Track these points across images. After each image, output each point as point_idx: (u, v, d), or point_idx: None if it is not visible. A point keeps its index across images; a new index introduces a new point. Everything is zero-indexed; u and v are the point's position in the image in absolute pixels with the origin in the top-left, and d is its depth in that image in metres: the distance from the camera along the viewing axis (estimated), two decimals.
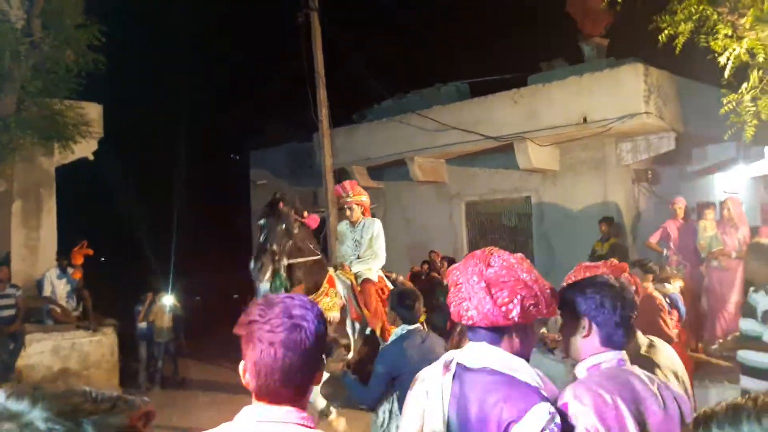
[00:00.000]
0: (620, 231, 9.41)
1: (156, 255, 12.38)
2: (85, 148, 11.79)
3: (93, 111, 11.94)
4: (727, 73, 5.83)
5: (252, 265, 5.09)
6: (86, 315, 9.57)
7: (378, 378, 3.88)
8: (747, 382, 4.36)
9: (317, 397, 5.38)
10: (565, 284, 2.25)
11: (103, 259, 10.17)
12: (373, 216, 6.25)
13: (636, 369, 2.00)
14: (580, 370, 2.01)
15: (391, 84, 13.16)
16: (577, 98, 9.08)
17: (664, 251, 8.24)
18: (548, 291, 1.84)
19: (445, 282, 5.57)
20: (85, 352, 9.18)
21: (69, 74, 10.17)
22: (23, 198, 11.32)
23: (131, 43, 13.32)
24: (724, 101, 6.08)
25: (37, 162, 11.51)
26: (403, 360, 3.72)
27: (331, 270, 5.73)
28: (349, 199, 5.91)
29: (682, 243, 8.06)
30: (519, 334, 1.84)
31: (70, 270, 9.58)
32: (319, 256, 5.54)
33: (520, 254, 1.95)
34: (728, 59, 5.73)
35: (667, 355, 2.48)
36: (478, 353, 1.85)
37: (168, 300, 9.42)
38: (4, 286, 8.67)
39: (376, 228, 5.89)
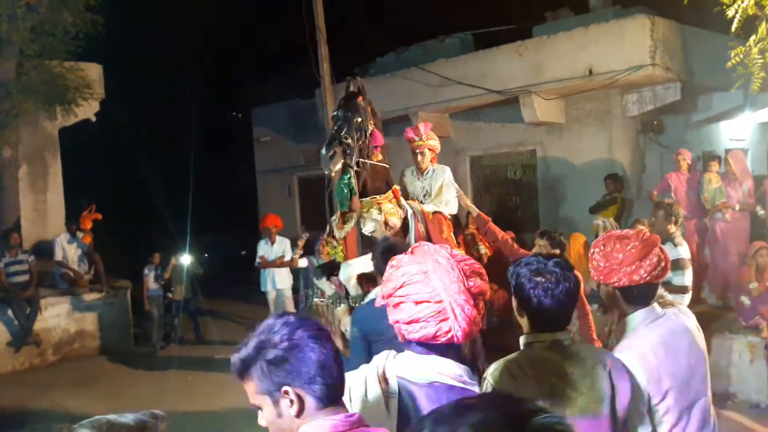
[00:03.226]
0: (625, 186, 9.42)
1: (162, 215, 12.48)
2: (87, 110, 11.76)
3: (93, 72, 11.85)
4: (734, 26, 5.75)
5: (323, 151, 4.59)
6: (98, 278, 9.73)
7: (354, 341, 3.40)
8: None
9: None
10: (592, 250, 2.32)
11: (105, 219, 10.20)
12: None
13: (576, 350, 2.00)
14: (520, 345, 2.05)
15: (393, 36, 12.99)
16: (583, 50, 8.96)
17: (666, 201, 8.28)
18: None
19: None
20: (99, 315, 9.38)
21: (67, 36, 10.09)
22: (29, 163, 11.36)
23: (128, 3, 13.09)
24: (732, 54, 6.02)
25: (40, 126, 11.51)
26: (377, 326, 3.09)
27: (397, 187, 5.18)
28: (421, 143, 5.30)
29: (685, 195, 8.08)
30: (463, 346, 1.72)
31: (79, 234, 9.69)
32: (387, 166, 5.04)
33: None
34: (736, 11, 5.65)
35: None
36: (421, 365, 1.68)
37: (185, 260, 9.54)
38: (16, 252, 8.80)
39: (447, 175, 5.31)
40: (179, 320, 9.64)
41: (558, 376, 1.90)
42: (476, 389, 1.70)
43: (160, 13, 15.18)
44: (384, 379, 1.67)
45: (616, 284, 2.24)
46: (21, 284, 8.67)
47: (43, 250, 10.45)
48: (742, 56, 6.01)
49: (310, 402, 1.40)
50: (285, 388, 1.38)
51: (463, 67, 10.30)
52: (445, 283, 1.64)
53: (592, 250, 2.33)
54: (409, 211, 4.95)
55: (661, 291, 2.49)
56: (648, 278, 2.21)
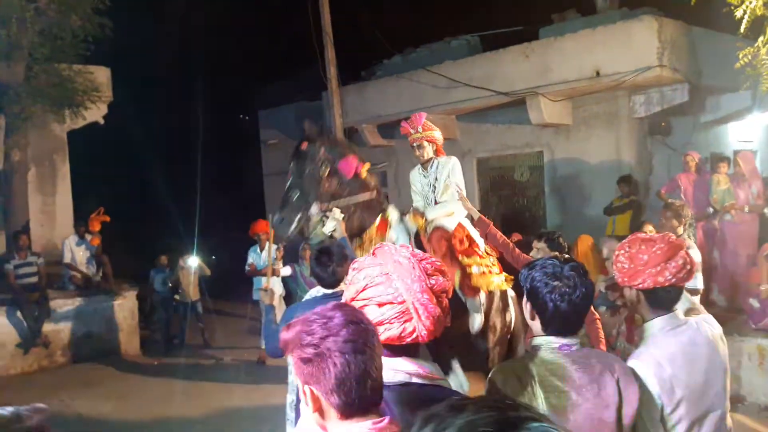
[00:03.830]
0: (638, 188, 9.35)
1: (170, 217, 12.52)
2: (96, 113, 11.84)
3: (101, 75, 11.93)
4: (743, 27, 5.73)
5: (276, 217, 4.50)
6: (106, 280, 9.77)
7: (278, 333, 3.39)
8: None
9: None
10: (617, 252, 2.30)
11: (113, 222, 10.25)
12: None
13: (584, 355, 1.98)
14: (528, 347, 2.03)
15: (400, 39, 13.01)
16: (589, 52, 8.94)
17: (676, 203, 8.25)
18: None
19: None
20: (107, 317, 9.40)
21: (76, 39, 10.15)
22: (37, 165, 11.45)
23: (137, 5, 13.16)
24: (740, 55, 5.99)
25: (49, 129, 11.60)
26: None
27: (389, 212, 4.80)
28: (418, 136, 4.93)
29: (694, 196, 8.05)
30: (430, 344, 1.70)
31: (88, 237, 9.73)
32: (367, 197, 4.69)
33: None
34: (745, 12, 5.63)
35: None
36: (391, 368, 1.62)
37: (193, 261, 9.52)
38: (25, 254, 8.85)
39: (452, 164, 4.92)
40: (186, 322, 9.65)
41: (565, 381, 1.89)
42: (447, 383, 1.69)
43: (168, 17, 15.26)
44: None
45: (640, 286, 2.22)
46: (30, 286, 8.71)
47: (52, 252, 10.52)
48: (750, 57, 5.99)
49: (329, 409, 1.37)
50: (307, 387, 1.36)
51: (470, 69, 10.30)
52: (407, 283, 1.62)
53: (616, 253, 2.31)
54: (395, 237, 4.64)
55: (693, 299, 2.46)
56: (673, 281, 2.19)
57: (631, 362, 2.15)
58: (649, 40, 8.44)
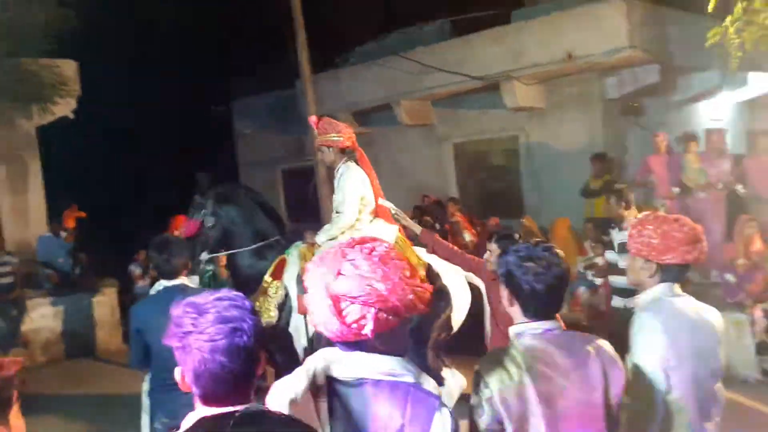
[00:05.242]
0: (613, 166, 9.45)
1: (146, 211, 12.38)
2: (64, 108, 11.57)
3: (68, 69, 11.65)
4: (711, 6, 5.81)
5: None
6: (84, 276, 9.65)
7: (131, 338, 3.45)
8: (616, 300, 5.52)
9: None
10: (639, 227, 2.38)
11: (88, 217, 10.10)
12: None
13: (567, 339, 1.98)
14: (511, 335, 2.03)
15: (374, 24, 12.92)
16: (561, 34, 8.99)
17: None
18: (416, 291, 1.59)
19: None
20: (86, 314, 9.31)
21: (40, 33, 9.89)
22: (7, 163, 11.19)
23: None
24: (709, 35, 6.07)
25: (17, 125, 11.28)
26: (152, 321, 3.19)
27: (291, 252, 4.79)
28: (317, 141, 4.72)
29: (667, 177, 8.16)
30: (384, 338, 1.59)
31: (63, 234, 9.59)
32: (255, 245, 4.93)
33: (384, 248, 1.62)
34: None
35: None
36: (348, 363, 1.61)
37: None
38: None
39: (343, 172, 4.61)
40: None
41: (551, 367, 1.90)
42: (410, 379, 1.62)
43: (136, 6, 14.98)
44: (314, 382, 1.61)
45: (668, 261, 2.33)
46: (5, 286, 8.58)
47: (26, 251, 10.34)
48: (719, 36, 6.07)
49: (195, 392, 1.49)
50: (179, 367, 1.48)
51: (443, 54, 10.30)
52: (316, 282, 1.60)
53: (637, 227, 2.40)
54: (288, 276, 4.67)
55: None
56: (699, 258, 2.35)
57: (644, 314, 2.31)
58: (619, 21, 8.52)
